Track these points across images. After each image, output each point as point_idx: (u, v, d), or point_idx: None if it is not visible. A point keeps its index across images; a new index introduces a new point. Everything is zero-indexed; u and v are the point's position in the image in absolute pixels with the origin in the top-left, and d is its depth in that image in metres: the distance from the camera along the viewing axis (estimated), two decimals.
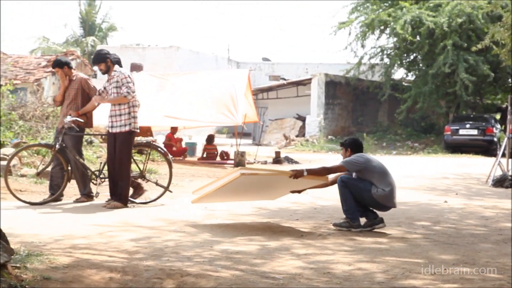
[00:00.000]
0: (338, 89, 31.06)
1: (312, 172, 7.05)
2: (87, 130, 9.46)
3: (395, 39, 27.70)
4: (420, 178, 14.32)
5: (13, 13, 79.33)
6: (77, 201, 8.80)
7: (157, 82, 17.42)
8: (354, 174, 7.12)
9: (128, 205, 8.53)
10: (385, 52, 29.32)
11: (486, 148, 23.71)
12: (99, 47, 36.71)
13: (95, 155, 13.24)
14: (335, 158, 18.80)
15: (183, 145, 18.63)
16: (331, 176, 7.27)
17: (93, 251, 5.45)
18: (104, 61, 8.59)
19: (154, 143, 9.25)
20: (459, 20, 25.22)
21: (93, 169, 9.12)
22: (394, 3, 27.73)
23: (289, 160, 18.57)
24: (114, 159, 8.50)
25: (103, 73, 8.68)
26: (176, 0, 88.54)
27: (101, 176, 8.86)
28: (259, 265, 5.19)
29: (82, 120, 8.75)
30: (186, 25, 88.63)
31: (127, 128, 8.49)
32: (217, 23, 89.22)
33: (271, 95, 33.04)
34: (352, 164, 7.03)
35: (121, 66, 8.68)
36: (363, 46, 29.13)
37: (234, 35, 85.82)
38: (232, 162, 16.59)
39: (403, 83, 30.03)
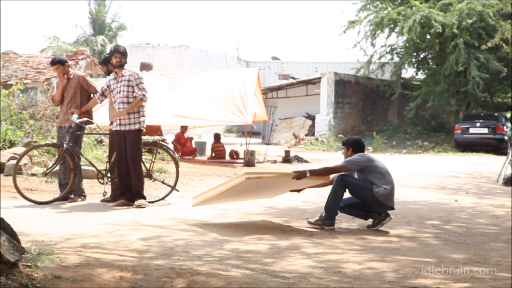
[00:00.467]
0: (347, 88, 30.95)
1: (315, 173, 7.06)
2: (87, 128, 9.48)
3: (405, 37, 27.58)
4: (430, 177, 14.28)
5: (23, 13, 79.69)
6: (71, 200, 8.79)
7: (166, 81, 17.44)
8: (355, 174, 7.12)
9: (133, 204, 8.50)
10: (395, 50, 29.22)
11: (497, 146, 23.60)
12: (109, 46, 36.78)
13: (105, 154, 13.26)
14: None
15: (193, 145, 18.63)
16: (332, 175, 7.27)
17: (104, 250, 5.47)
18: (126, 56, 8.63)
19: (161, 142, 9.22)
20: (470, 21, 25.07)
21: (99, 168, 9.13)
22: (404, 2, 27.56)
23: (299, 159, 18.53)
24: (125, 157, 8.51)
25: (118, 67, 8.55)
26: (185, 0, 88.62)
27: (107, 175, 8.86)
28: (269, 264, 5.19)
29: (92, 121, 8.76)
30: (195, 24, 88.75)
31: (137, 126, 8.51)
32: (227, 22, 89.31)
33: (280, 94, 33.04)
34: (354, 163, 7.02)
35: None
36: (372, 44, 29.07)
37: (244, 34, 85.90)
38: (242, 161, 16.60)
39: (413, 81, 29.89)
